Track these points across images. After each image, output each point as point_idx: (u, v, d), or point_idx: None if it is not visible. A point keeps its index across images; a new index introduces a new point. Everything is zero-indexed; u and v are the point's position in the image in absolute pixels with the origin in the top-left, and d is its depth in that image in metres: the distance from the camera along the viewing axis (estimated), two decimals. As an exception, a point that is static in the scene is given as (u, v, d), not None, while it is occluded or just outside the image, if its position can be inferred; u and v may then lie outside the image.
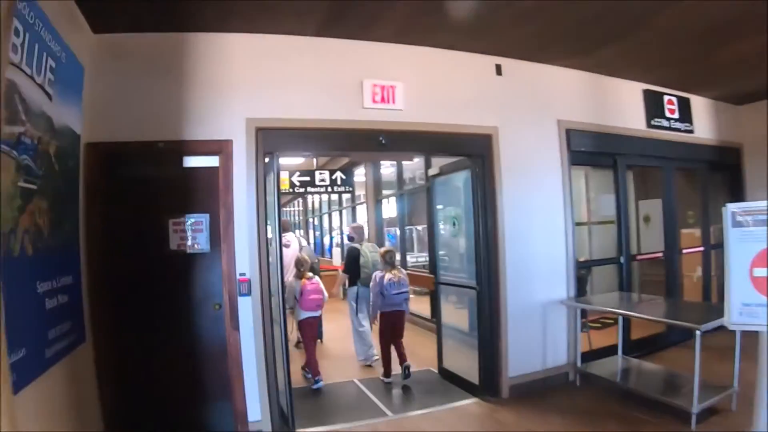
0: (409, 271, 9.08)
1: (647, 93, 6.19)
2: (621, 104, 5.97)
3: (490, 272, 4.95)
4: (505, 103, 5.11)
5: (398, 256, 8.81)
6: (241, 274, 4.04)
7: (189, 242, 4.17)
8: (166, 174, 4.21)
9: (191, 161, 4.22)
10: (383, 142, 4.52)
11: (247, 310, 4.07)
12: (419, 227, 15.17)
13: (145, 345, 4.08)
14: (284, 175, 9.92)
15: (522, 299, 5.06)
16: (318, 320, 6.00)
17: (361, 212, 12.62)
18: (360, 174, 11.69)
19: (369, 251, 6.46)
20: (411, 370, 5.69)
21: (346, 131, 4.46)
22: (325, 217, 16.31)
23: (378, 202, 10.65)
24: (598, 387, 5.04)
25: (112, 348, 3.87)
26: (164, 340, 4.12)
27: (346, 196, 13.25)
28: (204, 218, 4.18)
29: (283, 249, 6.45)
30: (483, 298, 4.97)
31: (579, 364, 5.21)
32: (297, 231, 22.17)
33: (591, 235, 6.76)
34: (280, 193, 4.28)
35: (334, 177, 10.32)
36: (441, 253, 5.95)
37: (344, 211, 14.13)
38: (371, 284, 5.83)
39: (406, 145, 4.69)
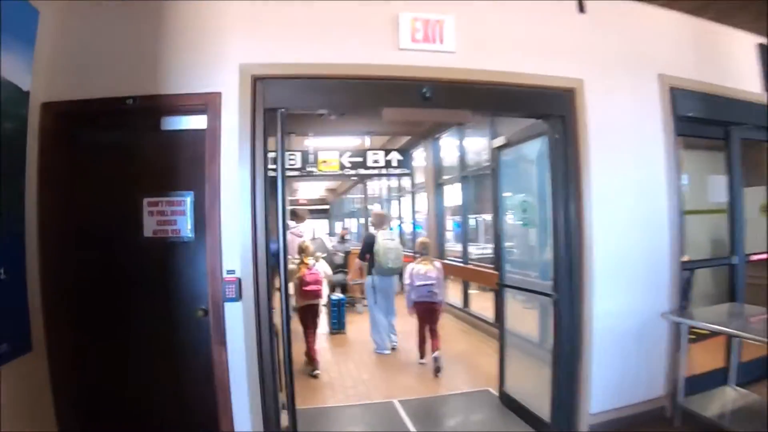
0: (471, 265, 7.89)
1: (763, 48, 4.60)
2: (732, 60, 4.45)
3: (572, 274, 3.66)
4: (590, 49, 3.77)
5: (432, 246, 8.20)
6: (228, 272, 3.02)
7: (169, 228, 3.21)
8: (140, 140, 3.28)
9: (171, 123, 3.24)
10: (427, 95, 3.33)
11: (238, 318, 3.05)
12: (485, 216, 13.86)
13: (113, 360, 3.19)
14: (333, 156, 8.97)
15: (611, 310, 3.75)
16: (317, 308, 5.74)
17: (421, 200, 11.48)
18: (419, 158, 10.52)
19: (382, 239, 6.18)
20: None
21: (376, 81, 3.31)
22: (389, 205, 15.24)
23: (439, 186, 9.45)
24: (702, 428, 3.69)
25: (69, 363, 3.01)
26: (137, 355, 3.21)
27: (405, 183, 12.15)
28: (187, 197, 3.21)
29: (295, 238, 6.65)
30: (562, 309, 3.69)
31: (681, 397, 3.83)
32: (357, 220, 21.48)
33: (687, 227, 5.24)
34: (284, 163, 3.20)
35: (389, 158, 9.27)
36: (507, 246, 4.68)
37: (403, 199, 13.00)
38: (404, 275, 5.86)
39: (458, 101, 3.46)
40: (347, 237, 10.26)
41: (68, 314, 3.05)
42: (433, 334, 5.75)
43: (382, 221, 6.52)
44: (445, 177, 9.34)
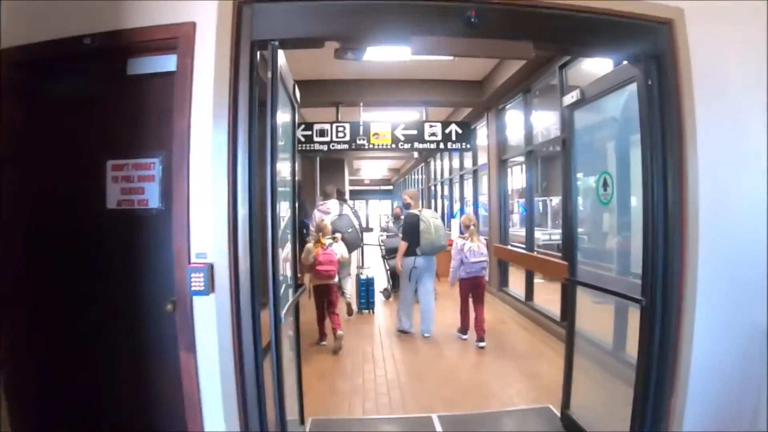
0: (537, 253, 6.90)
1: None
2: None
3: (667, 273, 2.68)
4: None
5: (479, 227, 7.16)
6: (198, 256, 2.30)
7: (135, 198, 2.55)
8: (104, 89, 2.61)
9: (139, 66, 2.55)
10: (473, 20, 2.43)
11: (212, 317, 2.33)
12: (554, 199, 12.60)
13: (69, 361, 2.60)
14: (385, 128, 8.18)
15: (714, 320, 2.73)
16: (331, 288, 5.78)
17: (484, 180, 10.49)
18: (482, 135, 9.51)
19: (429, 216, 6.15)
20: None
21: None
22: (452, 185, 14.26)
23: (502, 164, 8.44)
24: None
25: (20, 364, 2.45)
26: (97, 356, 2.60)
27: (468, 163, 11.17)
28: (157, 160, 2.52)
29: (322, 215, 6.85)
30: (652, 317, 2.72)
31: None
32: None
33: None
34: (275, 113, 2.40)
35: (448, 131, 8.35)
36: (581, 232, 3.69)
37: (465, 179, 12.01)
38: (452, 250, 6.02)
39: (516, 29, 2.53)
40: (402, 216, 9.50)
41: (18, 305, 2.48)
42: (481, 311, 5.89)
43: (417, 201, 6.44)
44: (510, 154, 8.32)
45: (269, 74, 2.36)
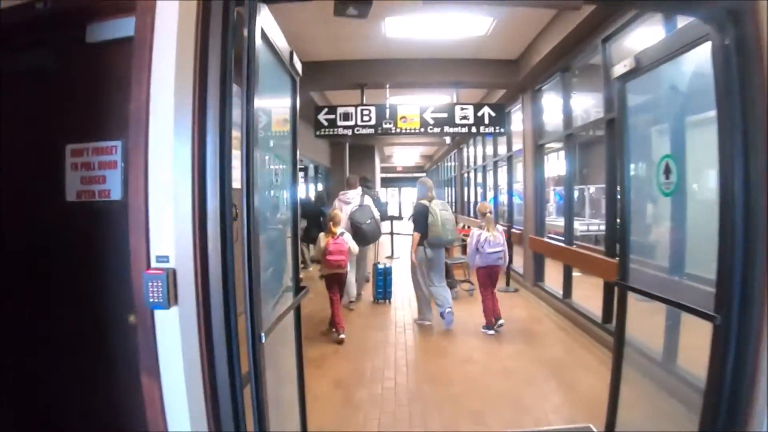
0: (577, 247, 6.32)
1: None
2: None
3: (747, 284, 2.13)
4: None
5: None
6: (159, 259, 1.88)
7: (96, 188, 2.15)
8: (60, 60, 2.22)
9: (99, 31, 2.14)
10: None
11: (178, 334, 1.92)
12: (590, 187, 11.88)
13: (20, 383, 2.24)
14: (413, 111, 7.68)
15: None
16: (341, 278, 5.86)
17: (519, 167, 9.88)
18: (517, 120, 8.87)
19: (438, 209, 5.97)
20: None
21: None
22: (486, 173, 13.61)
23: (539, 149, 7.82)
24: None
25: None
26: (51, 375, 2.23)
27: (502, 149, 10.55)
28: (119, 143, 2.12)
29: (343, 206, 6.93)
30: (726, 338, 2.18)
31: None
32: (452, 188, 19.97)
33: None
34: (253, 87, 1.93)
35: (480, 114, 7.79)
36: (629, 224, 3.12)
37: (499, 166, 11.39)
38: (468, 240, 6.08)
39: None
40: None
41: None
42: (494, 296, 5.92)
43: (426, 191, 6.17)
44: (547, 138, 7.69)
45: (246, 35, 1.90)
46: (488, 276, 5.85)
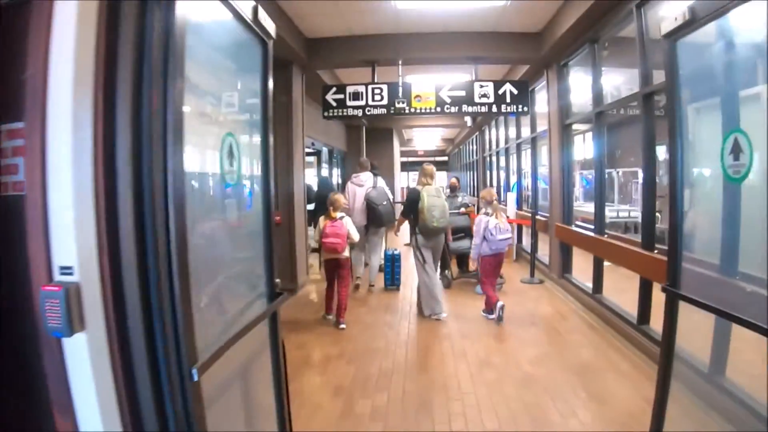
0: (611, 238, 5.72)
1: None
2: None
3: None
4: None
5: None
6: (63, 271, 1.40)
7: (10, 180, 1.68)
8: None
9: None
10: None
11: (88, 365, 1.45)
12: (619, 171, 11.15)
13: None
14: (429, 89, 7.12)
15: None
16: (339, 262, 5.58)
17: (542, 149, 9.28)
18: (541, 99, 8.19)
19: (428, 195, 5.71)
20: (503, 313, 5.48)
21: None
22: (509, 155, 12.94)
23: (566, 129, 7.19)
24: None
25: None
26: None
27: (526, 131, 9.91)
28: (22, 125, 1.64)
29: (355, 188, 6.99)
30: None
31: None
32: (474, 172, 19.28)
33: None
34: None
35: (501, 91, 7.20)
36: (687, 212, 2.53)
37: (522, 148, 10.74)
38: (474, 228, 5.96)
39: None
40: (460, 191, 8.51)
41: None
42: (494, 285, 5.93)
43: (429, 176, 5.94)
44: (574, 117, 7.04)
45: None
46: (495, 265, 5.86)
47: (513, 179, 11.86)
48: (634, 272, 4.84)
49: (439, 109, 7.11)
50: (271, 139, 2.34)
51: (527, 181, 10.65)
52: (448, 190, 8.43)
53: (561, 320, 5.72)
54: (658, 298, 4.54)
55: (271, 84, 2.32)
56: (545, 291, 7.19)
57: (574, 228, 6.89)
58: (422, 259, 5.83)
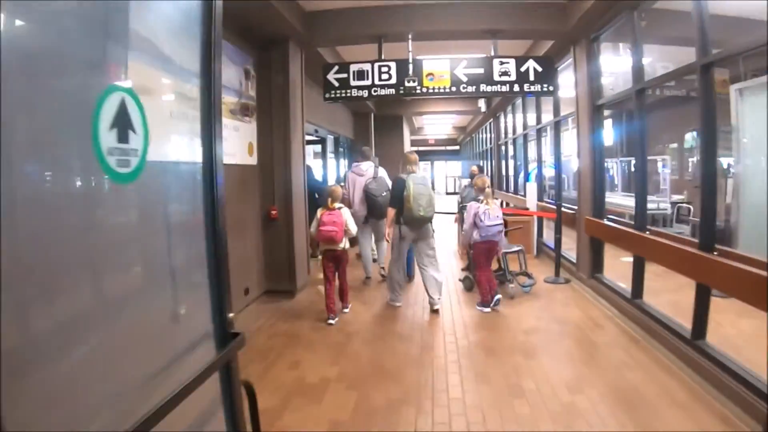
0: (658, 236, 4.92)
1: None
2: None
3: None
4: None
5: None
6: None
7: None
8: None
9: None
10: None
11: None
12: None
13: None
14: (443, 66, 6.35)
15: None
16: (337, 254, 5.43)
17: (571, 134, 8.48)
18: (564, 82, 7.34)
19: (413, 183, 5.51)
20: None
21: None
22: (527, 142, 12.07)
23: (597, 111, 6.36)
24: None
25: None
26: None
27: (547, 116, 9.10)
28: None
29: (356, 178, 6.89)
30: None
31: None
32: (489, 161, 18.38)
33: None
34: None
35: (524, 69, 6.40)
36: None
37: (543, 134, 9.90)
38: (465, 214, 5.84)
39: None
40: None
41: None
42: (491, 272, 5.80)
43: (413, 164, 5.72)
44: (608, 97, 6.21)
45: None
46: (487, 252, 5.70)
47: (532, 167, 11.05)
48: (677, 273, 4.08)
49: (454, 88, 6.31)
50: (219, 99, 1.58)
51: (547, 171, 9.84)
52: (468, 180, 7.75)
53: (596, 329, 4.96)
54: (717, 307, 3.80)
55: (214, 39, 1.55)
56: (573, 292, 6.43)
57: (606, 222, 6.09)
58: (397, 253, 5.78)
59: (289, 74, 6.34)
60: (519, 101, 11.64)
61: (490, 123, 17.16)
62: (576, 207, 7.06)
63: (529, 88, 6.45)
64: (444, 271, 6.86)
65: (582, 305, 5.82)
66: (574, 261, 7.14)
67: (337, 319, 5.37)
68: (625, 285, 5.43)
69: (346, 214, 5.35)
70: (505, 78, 6.36)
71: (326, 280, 5.43)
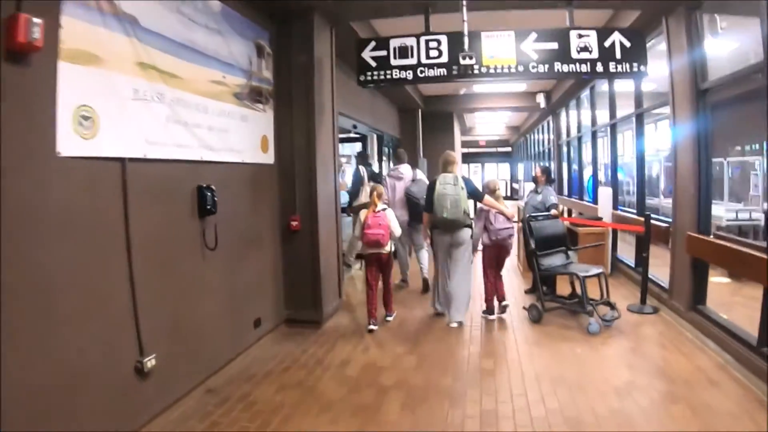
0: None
1: None
2: None
3: None
4: None
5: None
6: None
7: None
8: None
9: None
10: None
11: None
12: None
13: None
14: (506, 41, 5.15)
15: None
16: (382, 258, 5.19)
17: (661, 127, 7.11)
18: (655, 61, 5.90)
19: (441, 183, 5.11)
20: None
21: None
22: (596, 140, 10.57)
23: (701, 96, 4.97)
24: None
25: None
26: None
27: (623, 110, 7.74)
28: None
29: (395, 182, 6.59)
30: None
31: None
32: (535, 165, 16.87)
33: None
34: None
35: (608, 44, 5.12)
36: None
37: (619, 130, 8.48)
38: (475, 219, 5.50)
39: None
40: (543, 185, 6.48)
41: None
42: (500, 278, 5.62)
43: (451, 164, 5.38)
44: (717, 78, 4.80)
45: None
46: (496, 257, 5.53)
47: (602, 173, 9.64)
48: None
49: (521, 68, 5.05)
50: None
51: (629, 180, 8.42)
52: (534, 180, 6.60)
53: (711, 389, 3.63)
54: None
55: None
56: (665, 327, 5.07)
57: (715, 240, 4.71)
58: (436, 260, 5.46)
59: (313, 52, 5.22)
60: (584, 93, 10.25)
61: (548, 121, 15.71)
62: (669, 218, 5.68)
63: (616, 69, 5.12)
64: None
65: (683, 348, 4.46)
66: (663, 285, 5.75)
67: (377, 327, 5.15)
68: (746, 327, 4.05)
69: (390, 215, 5.20)
70: (584, 55, 5.06)
71: (368, 285, 5.22)
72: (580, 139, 11.27)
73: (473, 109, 14.91)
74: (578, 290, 5.15)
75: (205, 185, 3.71)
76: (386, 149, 12.81)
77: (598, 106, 9.57)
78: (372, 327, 5.09)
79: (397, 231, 5.29)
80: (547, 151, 16.48)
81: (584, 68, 5.09)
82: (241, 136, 4.36)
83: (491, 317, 5.45)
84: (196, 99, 3.67)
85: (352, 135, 9.52)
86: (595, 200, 9.47)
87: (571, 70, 5.08)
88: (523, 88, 12.69)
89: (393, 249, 5.45)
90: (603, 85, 8.96)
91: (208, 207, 3.68)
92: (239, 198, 4.40)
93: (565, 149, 13.31)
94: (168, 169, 3.41)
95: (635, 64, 5.12)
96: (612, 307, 5.14)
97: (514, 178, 28.83)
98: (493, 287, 5.51)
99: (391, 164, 8.03)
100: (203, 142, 3.75)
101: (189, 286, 3.64)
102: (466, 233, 5.24)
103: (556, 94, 12.12)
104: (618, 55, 5.09)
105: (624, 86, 7.73)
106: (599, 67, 5.10)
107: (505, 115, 18.88)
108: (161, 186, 3.36)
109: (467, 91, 12.83)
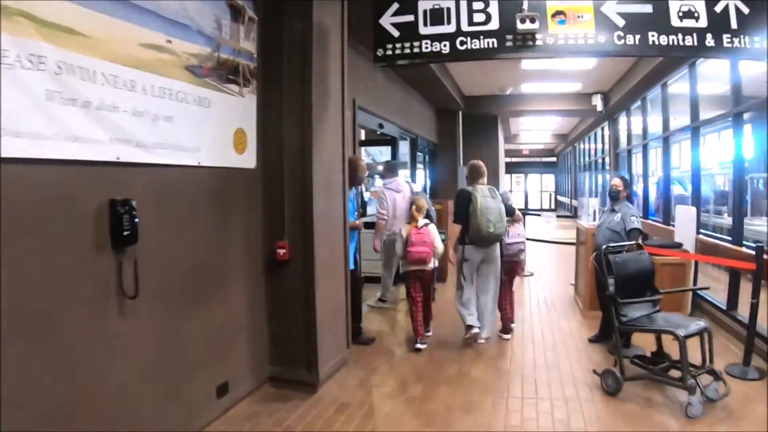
0: None
1: None
2: None
3: None
4: None
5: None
6: None
7: None
8: None
9: None
10: None
11: None
12: None
13: None
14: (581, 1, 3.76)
15: None
16: (427, 275, 5.06)
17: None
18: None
19: (481, 195, 4.82)
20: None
21: None
22: (669, 146, 8.90)
23: None
24: None
25: None
26: None
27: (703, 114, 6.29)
28: None
29: (394, 195, 6.27)
30: None
31: None
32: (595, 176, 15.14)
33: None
34: None
35: (719, 8, 3.72)
36: None
37: (701, 133, 6.92)
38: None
39: None
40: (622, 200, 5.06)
41: None
42: (510, 298, 5.35)
43: (478, 174, 5.03)
44: None
45: None
46: (508, 271, 5.27)
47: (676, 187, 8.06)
48: None
49: (601, 38, 3.65)
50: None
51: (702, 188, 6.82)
52: (610, 198, 5.18)
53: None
54: None
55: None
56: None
57: None
58: (463, 279, 4.98)
59: (312, 18, 3.87)
60: (655, 93, 8.69)
61: (602, 128, 14.08)
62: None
63: (730, 44, 3.66)
64: (558, 351, 4.33)
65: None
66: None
67: (426, 345, 4.92)
68: None
69: (433, 230, 5.05)
70: (688, 22, 3.62)
71: (412, 301, 5.03)
72: (645, 146, 9.67)
73: (520, 112, 13.39)
74: (667, 349, 3.66)
75: (120, 200, 2.46)
76: (422, 155, 11.48)
77: (672, 110, 8.03)
78: (420, 346, 4.86)
79: (440, 246, 5.10)
80: (601, 161, 14.84)
81: (688, 41, 3.64)
82: (197, 128, 3.07)
83: (506, 336, 5.22)
84: (113, 68, 2.41)
85: (374, 138, 8.38)
86: (665, 220, 7.87)
87: (671, 43, 3.63)
88: (578, 88, 11.23)
89: (437, 265, 5.37)
90: (677, 83, 7.54)
91: (126, 233, 2.42)
92: (189, 218, 3.10)
93: (625, 158, 11.66)
94: (54, 176, 2.18)
95: (757, 39, 3.66)
96: (717, 376, 3.61)
97: (561, 191, 26.96)
98: (506, 305, 5.27)
99: (384, 178, 6.70)
100: (122, 133, 2.48)
101: (93, 354, 2.38)
102: (498, 249, 5.03)
103: (615, 95, 10.62)
104: (733, 24, 3.64)
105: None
106: (708, 41, 3.65)
107: (553, 122, 17.35)
108: (41, 203, 2.13)
109: (514, 91, 11.40)
